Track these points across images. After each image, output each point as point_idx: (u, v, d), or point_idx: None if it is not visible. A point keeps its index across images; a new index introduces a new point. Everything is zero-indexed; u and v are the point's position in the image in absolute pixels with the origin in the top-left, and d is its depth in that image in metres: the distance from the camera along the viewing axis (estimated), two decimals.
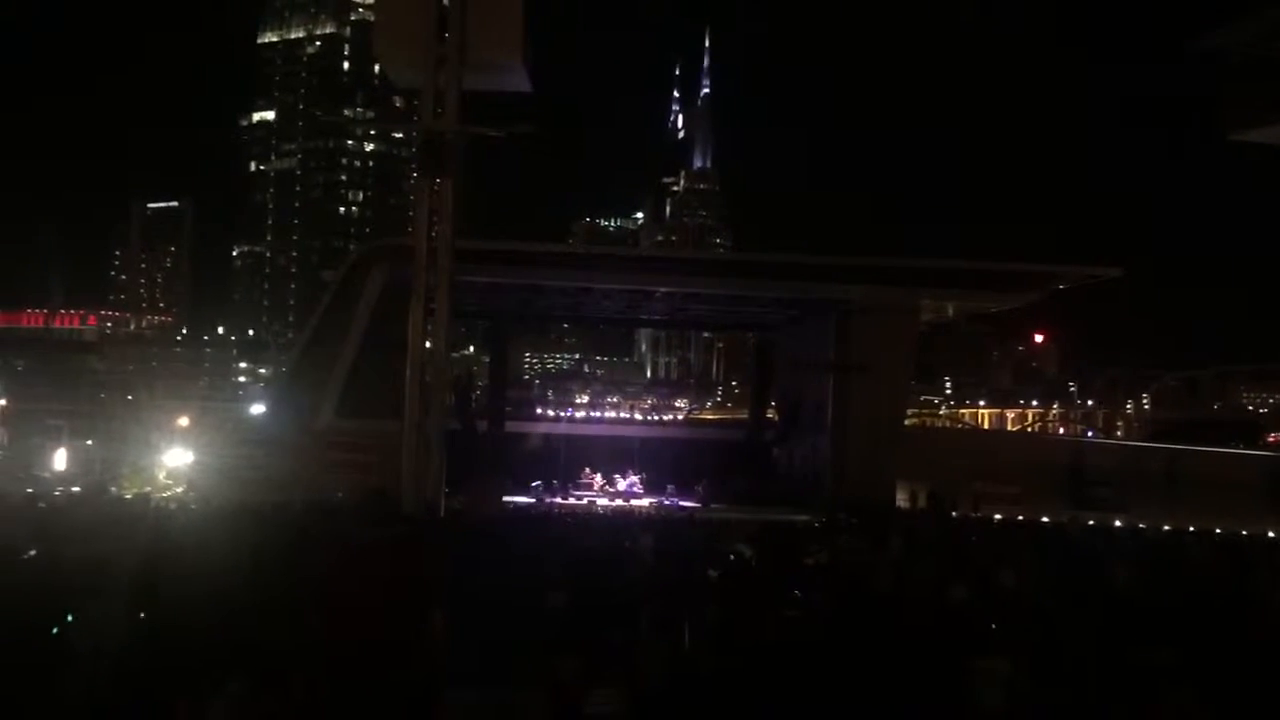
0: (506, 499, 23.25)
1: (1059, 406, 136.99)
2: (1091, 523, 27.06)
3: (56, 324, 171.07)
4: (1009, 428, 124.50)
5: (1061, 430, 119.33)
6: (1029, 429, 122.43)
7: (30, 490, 33.39)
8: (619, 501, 33.39)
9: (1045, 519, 27.59)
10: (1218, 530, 24.94)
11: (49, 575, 8.01)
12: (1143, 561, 11.79)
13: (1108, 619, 7.83)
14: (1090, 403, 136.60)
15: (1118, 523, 28.28)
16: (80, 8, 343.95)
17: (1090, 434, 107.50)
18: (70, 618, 7.20)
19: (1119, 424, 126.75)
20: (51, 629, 7.16)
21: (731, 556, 12.06)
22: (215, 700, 5.67)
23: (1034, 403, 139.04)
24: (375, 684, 5.94)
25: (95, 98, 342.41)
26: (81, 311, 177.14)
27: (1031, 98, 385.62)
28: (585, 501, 32.57)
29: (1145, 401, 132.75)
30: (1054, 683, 6.88)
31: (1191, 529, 25.58)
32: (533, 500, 30.39)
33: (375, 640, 5.96)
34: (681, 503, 32.78)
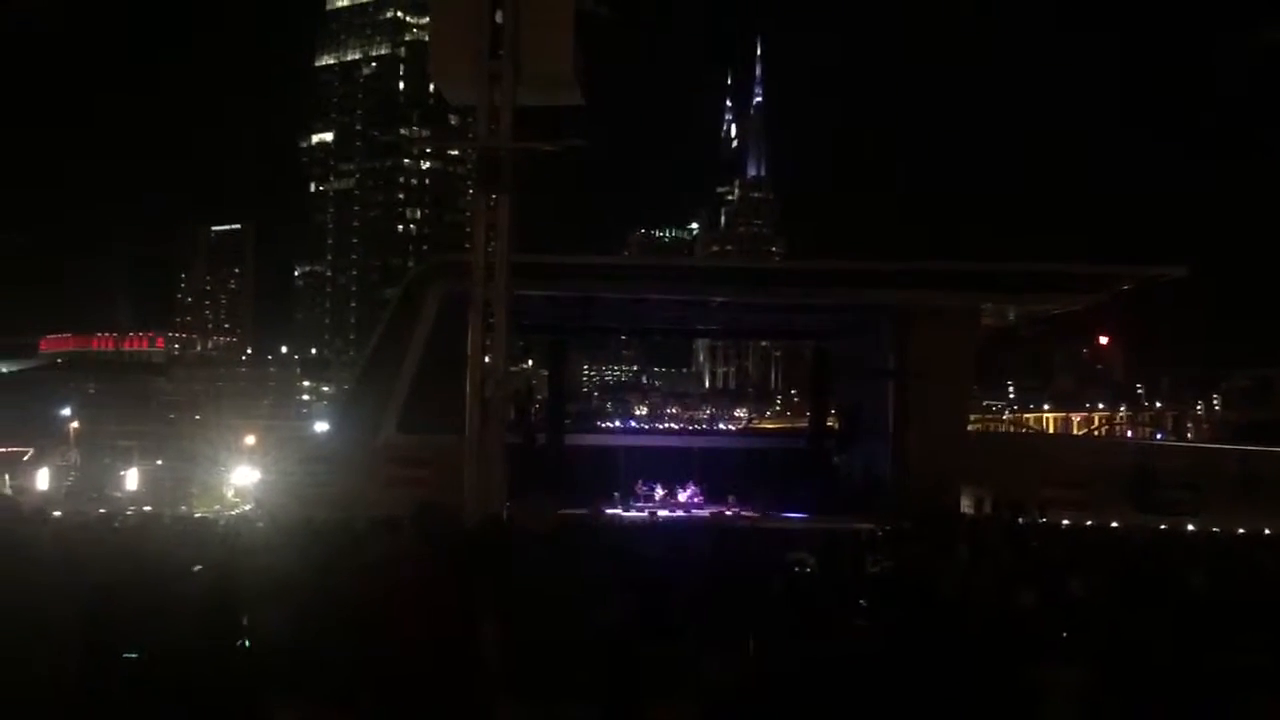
0: (565, 511, 23.25)
1: (1126, 409, 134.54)
2: (1164, 527, 26.52)
3: (126, 346, 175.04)
4: (1074, 431, 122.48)
5: (1129, 433, 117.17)
6: (1095, 432, 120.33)
7: (103, 510, 34.13)
8: (680, 512, 33.30)
9: (1115, 524, 27.04)
10: None
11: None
12: (1218, 565, 11.50)
13: (1183, 625, 7.64)
14: (1158, 404, 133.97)
15: (1190, 527, 27.67)
16: (139, 35, 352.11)
17: (1160, 436, 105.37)
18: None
19: (1189, 425, 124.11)
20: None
21: (795, 567, 11.97)
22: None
23: (1100, 406, 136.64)
24: (432, 700, 5.95)
25: (159, 125, 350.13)
26: (150, 334, 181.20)
27: (1096, 95, 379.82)
28: (646, 513, 32.52)
29: (1216, 402, 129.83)
30: (1129, 692, 6.73)
31: (1268, 532, 24.93)
32: (592, 512, 30.37)
33: (431, 656, 5.98)
34: (743, 512, 32.61)
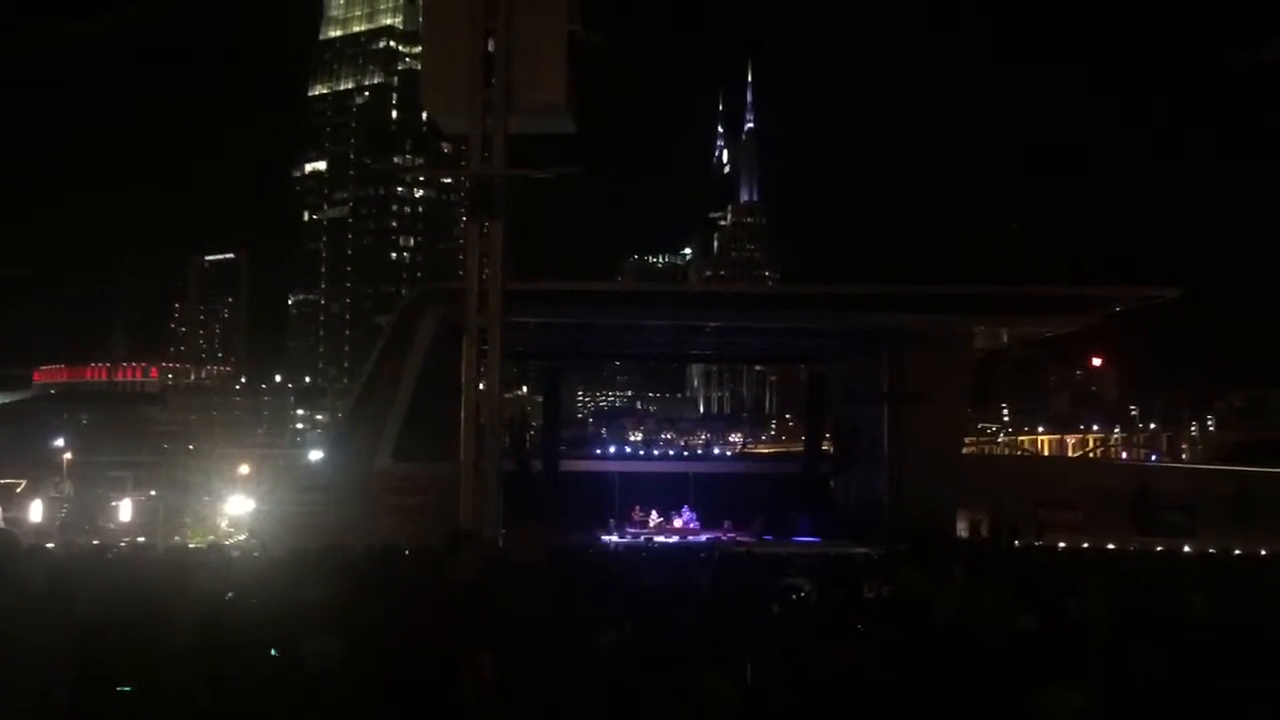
0: (561, 537, 23.22)
1: (1120, 430, 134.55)
2: (1160, 548, 26.51)
3: (120, 377, 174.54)
4: (1069, 453, 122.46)
5: (1124, 454, 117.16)
6: (1090, 454, 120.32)
7: (97, 542, 33.90)
8: (675, 538, 33.24)
9: (1112, 546, 27.02)
10: None
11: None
12: (1216, 587, 11.49)
13: (1183, 648, 7.62)
14: (1153, 425, 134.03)
15: (1187, 548, 27.66)
16: (133, 65, 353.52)
17: (1154, 457, 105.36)
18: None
19: (1184, 446, 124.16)
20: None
21: (792, 593, 11.95)
22: None
23: (1094, 427, 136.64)
24: None
25: (152, 156, 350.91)
26: (143, 364, 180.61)
27: (1084, 116, 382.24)
28: (642, 539, 32.46)
29: (1210, 423, 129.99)
30: (1129, 716, 6.70)
31: (1264, 552, 24.92)
32: (588, 539, 30.31)
33: (436, 684, 5.95)
34: (739, 537, 32.57)
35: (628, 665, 7.43)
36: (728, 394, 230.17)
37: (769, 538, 32.76)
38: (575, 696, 6.06)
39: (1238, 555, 23.65)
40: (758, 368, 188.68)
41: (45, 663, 6.65)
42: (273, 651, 7.70)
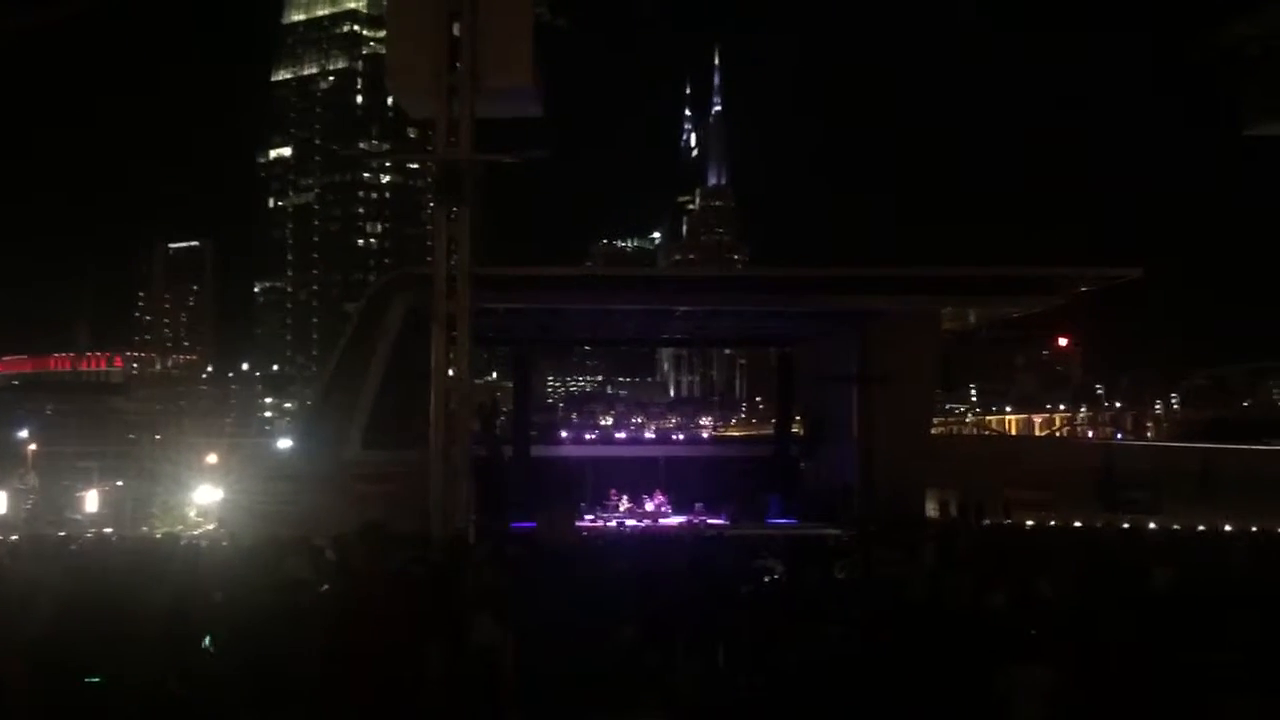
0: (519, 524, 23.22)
1: (1086, 410, 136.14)
2: (1126, 526, 26.82)
3: (84, 367, 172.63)
4: (1036, 433, 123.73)
5: (1090, 433, 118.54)
6: (1057, 433, 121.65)
7: (63, 533, 33.60)
8: (647, 522, 33.29)
9: (1078, 524, 27.32)
10: (1254, 529, 24.61)
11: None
12: (1181, 563, 11.63)
13: (1148, 623, 7.72)
14: (1118, 404, 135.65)
15: (1152, 525, 28.01)
16: (95, 53, 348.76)
17: (1120, 436, 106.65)
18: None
19: (1149, 425, 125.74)
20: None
21: (764, 575, 11.99)
22: None
23: (1061, 407, 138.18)
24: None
25: (115, 143, 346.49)
26: (108, 354, 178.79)
27: (1048, 97, 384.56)
28: (614, 523, 32.48)
29: (1174, 401, 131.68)
30: (1096, 690, 6.77)
31: (1228, 528, 25.28)
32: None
33: (391, 676, 5.92)
34: (710, 520, 32.65)
35: (598, 651, 7.44)
36: (698, 378, 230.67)
37: (741, 521, 32.87)
38: (589, 678, 6.07)
39: (1201, 531, 24.03)
40: (728, 351, 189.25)
41: (12, 653, 6.59)
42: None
